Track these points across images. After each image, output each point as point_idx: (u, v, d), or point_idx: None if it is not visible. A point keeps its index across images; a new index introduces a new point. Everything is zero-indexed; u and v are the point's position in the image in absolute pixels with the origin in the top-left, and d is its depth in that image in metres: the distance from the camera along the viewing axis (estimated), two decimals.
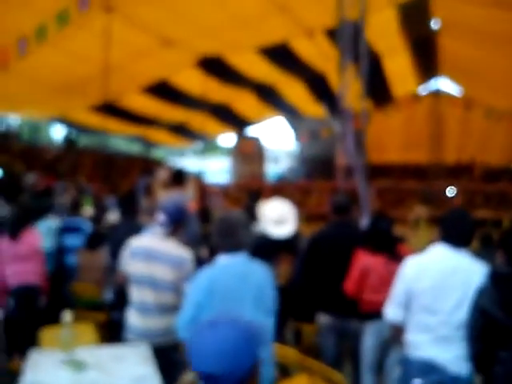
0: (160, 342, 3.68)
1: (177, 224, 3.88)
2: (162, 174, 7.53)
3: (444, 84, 22.42)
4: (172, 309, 3.75)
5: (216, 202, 10.77)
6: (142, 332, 3.74)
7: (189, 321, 2.92)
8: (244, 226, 3.07)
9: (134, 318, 3.80)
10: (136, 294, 3.82)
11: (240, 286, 2.91)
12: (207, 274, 3.02)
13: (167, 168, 10.10)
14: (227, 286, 2.91)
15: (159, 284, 3.74)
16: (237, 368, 1.56)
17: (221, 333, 1.60)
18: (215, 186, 12.82)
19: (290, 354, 3.59)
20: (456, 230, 3.23)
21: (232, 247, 3.00)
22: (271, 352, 3.01)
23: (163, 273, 3.75)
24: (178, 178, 6.35)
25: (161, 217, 3.83)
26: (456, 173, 21.23)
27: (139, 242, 3.89)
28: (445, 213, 3.60)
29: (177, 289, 3.76)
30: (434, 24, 16.92)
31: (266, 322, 2.92)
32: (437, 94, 22.16)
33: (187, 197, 6.29)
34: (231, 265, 3.00)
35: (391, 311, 3.38)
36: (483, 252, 5.00)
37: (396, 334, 3.51)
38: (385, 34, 15.06)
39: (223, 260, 3.03)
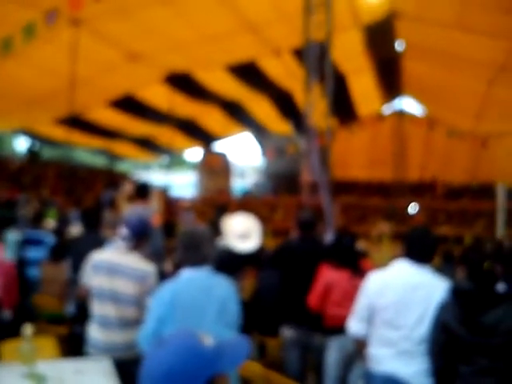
0: (121, 356, 3.64)
1: (139, 238, 3.85)
2: (127, 188, 7.49)
3: (407, 104, 22.89)
4: (134, 323, 3.71)
5: (186, 217, 10.72)
6: (103, 346, 3.70)
7: (150, 334, 2.91)
8: (208, 240, 3.09)
9: (95, 332, 3.76)
10: (97, 308, 3.78)
11: (203, 299, 2.92)
12: (170, 287, 3.02)
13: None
14: (190, 299, 2.92)
15: (121, 298, 3.71)
16: None
17: (165, 352, 1.49)
18: (185, 201, 12.79)
19: (254, 368, 3.59)
20: (418, 247, 3.29)
21: (196, 261, 3.01)
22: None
23: (125, 287, 3.72)
24: (143, 191, 6.30)
25: (123, 231, 3.81)
26: (419, 190, 21.61)
27: (101, 256, 3.85)
28: (408, 230, 3.68)
29: (139, 303, 3.72)
30: (399, 45, 17.30)
31: (228, 335, 2.90)
32: (400, 114, 22.60)
33: (151, 210, 6.25)
34: (195, 278, 3.01)
35: (354, 325, 3.42)
36: (444, 268, 5.11)
37: (359, 348, 3.55)
38: (350, 54, 15.36)
39: (187, 273, 3.04)
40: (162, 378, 1.45)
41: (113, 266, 3.75)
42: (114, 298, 3.70)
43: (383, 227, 12.43)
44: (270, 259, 4.67)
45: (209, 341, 1.61)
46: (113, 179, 17.66)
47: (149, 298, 3.77)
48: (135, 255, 3.83)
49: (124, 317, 3.71)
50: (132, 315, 3.72)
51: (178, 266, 6.78)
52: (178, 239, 3.22)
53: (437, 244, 3.49)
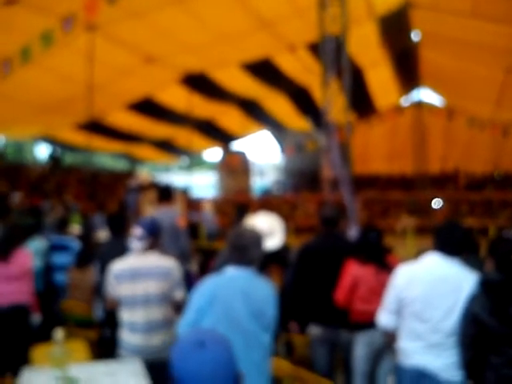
0: (152, 358, 3.68)
1: (154, 237, 3.92)
2: (150, 192, 7.54)
3: (426, 95, 22.75)
4: (162, 325, 3.79)
5: (207, 217, 10.72)
6: (134, 348, 3.74)
7: (190, 325, 2.96)
8: (256, 243, 3.13)
9: (126, 336, 3.80)
10: (126, 315, 3.82)
11: (240, 298, 2.95)
12: (212, 281, 3.07)
13: (137, 178, 10.10)
14: (229, 296, 2.95)
15: (150, 300, 3.76)
16: None
17: (209, 353, 1.58)
18: (206, 201, 12.82)
19: (283, 366, 3.59)
20: (448, 240, 3.27)
21: (241, 262, 3.06)
22: (269, 366, 3.05)
23: (152, 288, 3.77)
24: (166, 194, 6.34)
25: (138, 231, 3.87)
26: (441, 182, 21.43)
27: (121, 265, 3.90)
28: (433, 224, 3.67)
29: (168, 300, 3.80)
30: (415, 36, 17.18)
31: (263, 337, 2.96)
32: (419, 105, 22.44)
33: (176, 213, 6.29)
34: (236, 278, 3.05)
35: (384, 318, 3.41)
36: (470, 259, 5.06)
37: (389, 340, 3.53)
38: (366, 47, 15.27)
39: (230, 271, 3.09)
40: (207, 377, 1.57)
41: (135, 271, 3.81)
42: (142, 302, 3.75)
43: (406, 221, 12.35)
44: (295, 261, 4.65)
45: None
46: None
47: (177, 291, 3.87)
48: (153, 254, 3.88)
49: (152, 320, 3.76)
50: (160, 317, 3.78)
51: (203, 267, 6.82)
52: (227, 239, 3.26)
53: (467, 237, 3.47)
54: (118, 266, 3.89)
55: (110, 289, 3.90)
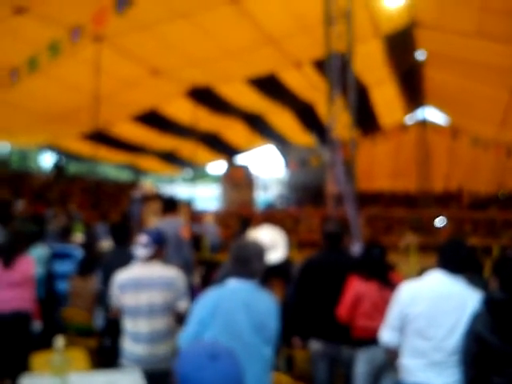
0: (154, 368, 3.67)
1: (159, 245, 3.93)
2: (154, 203, 7.54)
3: (430, 113, 22.81)
4: (165, 336, 3.78)
5: (210, 229, 10.72)
6: (136, 358, 3.73)
7: (192, 337, 2.95)
8: (259, 256, 3.13)
9: (128, 345, 3.79)
10: (129, 324, 3.82)
11: (242, 311, 2.94)
12: (214, 293, 3.07)
13: (141, 188, 10.12)
14: (230, 309, 2.95)
15: (153, 310, 3.75)
16: None
17: (222, 366, 1.61)
18: (208, 213, 12.82)
19: (283, 380, 3.57)
20: (452, 258, 3.27)
21: (244, 274, 3.06)
22: (270, 380, 3.04)
23: (155, 298, 3.76)
24: (171, 205, 6.35)
25: (143, 238, 3.88)
26: (444, 201, 21.40)
27: (125, 275, 3.90)
28: (437, 241, 3.67)
29: (171, 310, 3.79)
30: (420, 55, 17.26)
31: (264, 350, 2.95)
32: (423, 124, 22.50)
33: (180, 224, 6.30)
34: (239, 290, 3.05)
35: (386, 335, 3.39)
36: (474, 278, 5.05)
37: (390, 358, 3.51)
38: (372, 65, 15.35)
39: (232, 284, 3.09)
40: None
41: (138, 281, 3.81)
42: (146, 312, 3.74)
43: (410, 238, 12.32)
44: (298, 275, 4.64)
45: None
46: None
47: (181, 302, 3.85)
48: (157, 263, 3.89)
49: (155, 330, 3.75)
50: (163, 327, 3.77)
51: (204, 279, 6.81)
52: (230, 251, 3.26)
53: (470, 255, 3.47)
54: (122, 275, 3.89)
55: (114, 298, 3.90)
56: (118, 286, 3.85)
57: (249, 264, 3.05)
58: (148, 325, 3.74)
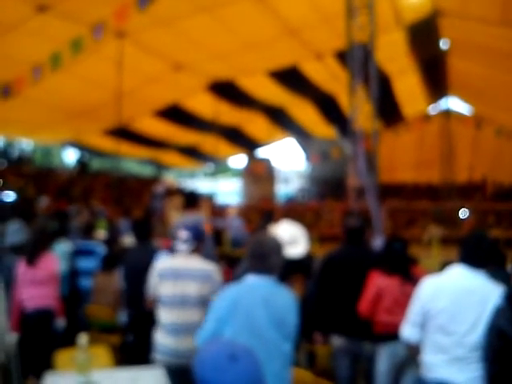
0: (184, 362, 3.66)
1: (199, 241, 3.95)
2: (176, 198, 7.57)
3: (454, 103, 22.52)
4: (197, 329, 3.77)
5: (234, 223, 10.56)
6: (170, 352, 3.74)
7: (210, 335, 2.95)
8: (277, 251, 3.10)
9: (163, 339, 3.80)
10: (165, 315, 3.82)
11: (262, 307, 2.92)
12: (233, 290, 3.06)
13: (163, 183, 10.15)
14: (249, 305, 2.93)
15: (188, 301, 3.77)
16: None
17: (242, 367, 1.60)
18: (233, 207, 12.77)
19: (305, 376, 3.57)
20: (475, 252, 3.22)
21: (262, 270, 3.04)
22: (289, 376, 3.02)
23: (191, 289, 3.77)
24: (192, 200, 6.36)
25: (183, 233, 3.88)
26: (468, 192, 21.12)
27: (165, 264, 3.93)
28: (460, 234, 3.62)
29: (205, 303, 3.78)
30: (443, 44, 17.03)
31: (284, 346, 2.93)
32: (447, 114, 22.19)
33: (202, 219, 6.31)
34: (257, 286, 3.02)
35: (407, 330, 3.37)
36: (497, 272, 4.97)
37: (412, 353, 3.49)
38: (394, 55, 15.18)
39: (251, 280, 3.07)
40: None
41: (177, 270, 3.83)
42: (181, 302, 3.77)
43: (433, 231, 12.19)
44: (319, 271, 4.62)
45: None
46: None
47: (216, 296, 3.84)
48: (197, 257, 3.91)
49: (190, 322, 3.76)
50: (196, 319, 3.76)
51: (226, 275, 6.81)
52: (248, 246, 3.24)
53: (493, 249, 3.42)
54: (163, 264, 3.93)
55: (152, 287, 3.93)
56: (158, 274, 3.88)
57: (267, 259, 3.02)
58: (183, 316, 3.75)
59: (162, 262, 3.96)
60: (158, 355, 3.80)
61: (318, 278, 4.57)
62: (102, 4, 9.66)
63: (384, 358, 4.12)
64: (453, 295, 3.16)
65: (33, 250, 4.70)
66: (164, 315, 3.83)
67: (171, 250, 4.92)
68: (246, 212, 18.11)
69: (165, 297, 3.82)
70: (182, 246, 3.89)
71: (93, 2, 9.81)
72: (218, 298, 3.06)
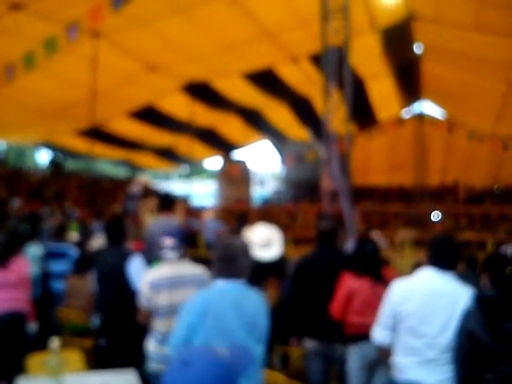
0: None
1: (184, 245, 3.92)
2: (150, 200, 7.53)
3: (427, 107, 22.81)
4: None
5: (210, 225, 10.51)
6: (168, 360, 3.66)
7: (180, 341, 2.92)
8: (245, 253, 3.06)
9: (157, 348, 3.73)
10: (161, 325, 3.76)
11: (233, 311, 2.91)
12: (202, 296, 3.03)
13: (139, 183, 10.09)
14: (220, 310, 2.91)
15: None
16: None
17: (194, 373, 1.50)
18: (209, 209, 12.73)
19: (278, 378, 3.58)
20: (442, 254, 3.26)
21: (231, 274, 3.00)
22: (261, 378, 3.02)
23: (190, 296, 3.70)
24: (167, 203, 6.30)
25: (169, 241, 3.84)
26: (440, 195, 21.40)
27: (156, 274, 3.84)
28: (431, 237, 3.66)
29: None
30: (417, 48, 17.24)
31: (256, 349, 2.92)
32: (420, 117, 22.48)
33: (176, 221, 6.26)
34: (227, 290, 3.00)
35: (378, 333, 3.40)
36: (468, 274, 5.05)
37: (383, 356, 3.52)
38: (368, 59, 15.33)
39: (220, 285, 3.04)
40: None
41: (171, 279, 3.76)
42: (178, 310, 3.70)
43: (405, 234, 12.32)
44: (292, 276, 4.62)
45: (224, 353, 1.64)
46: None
47: None
48: (186, 262, 3.88)
49: None
50: None
51: None
52: (215, 250, 3.20)
53: (460, 251, 3.46)
54: (154, 275, 3.83)
55: (145, 300, 3.82)
56: (150, 286, 3.77)
57: (235, 263, 2.99)
58: None
59: (152, 273, 3.86)
60: (153, 364, 3.73)
61: (291, 283, 4.59)
62: (77, 4, 9.56)
63: (355, 359, 4.15)
64: (422, 298, 3.20)
65: (4, 253, 4.63)
66: (160, 325, 3.77)
67: (144, 252, 4.88)
68: (222, 214, 18.07)
69: (162, 308, 3.76)
70: (170, 254, 3.84)
71: (67, 2, 9.72)
72: (188, 304, 3.03)
